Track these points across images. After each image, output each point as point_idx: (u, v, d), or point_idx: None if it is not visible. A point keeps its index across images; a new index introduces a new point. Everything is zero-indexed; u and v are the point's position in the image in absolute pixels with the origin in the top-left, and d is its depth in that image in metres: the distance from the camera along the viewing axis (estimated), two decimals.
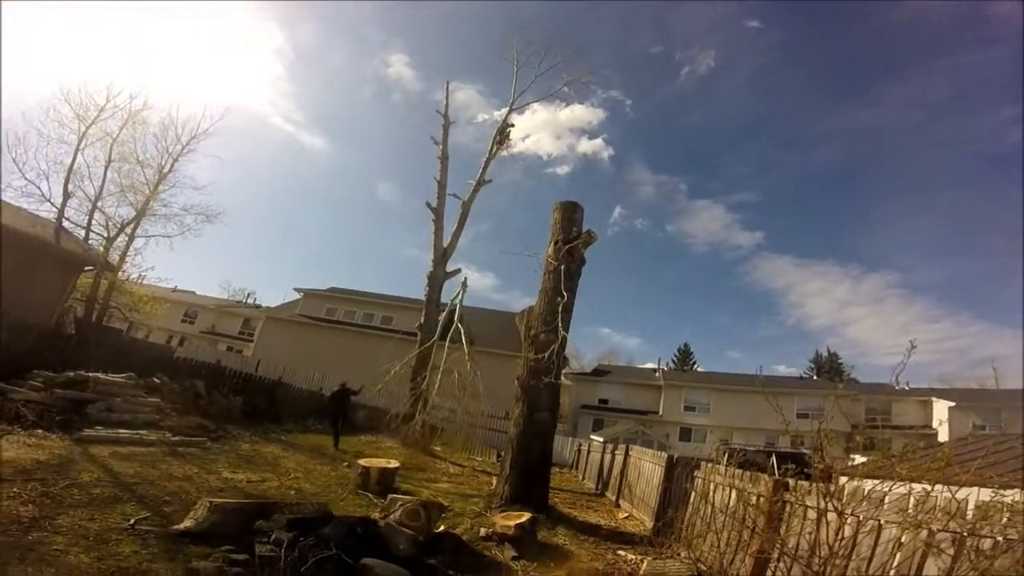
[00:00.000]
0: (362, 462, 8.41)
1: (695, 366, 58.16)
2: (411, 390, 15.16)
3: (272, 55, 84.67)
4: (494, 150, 19.47)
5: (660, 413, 35.88)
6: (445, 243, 18.15)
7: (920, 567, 2.92)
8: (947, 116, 78.81)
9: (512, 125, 20.20)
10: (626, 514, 9.23)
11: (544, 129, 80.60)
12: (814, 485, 3.76)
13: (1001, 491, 4.52)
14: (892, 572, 3.08)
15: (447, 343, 15.40)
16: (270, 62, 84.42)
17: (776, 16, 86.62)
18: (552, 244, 9.69)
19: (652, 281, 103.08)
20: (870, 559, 3.24)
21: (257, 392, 15.90)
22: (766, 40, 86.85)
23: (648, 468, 8.81)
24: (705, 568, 5.14)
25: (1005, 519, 2.57)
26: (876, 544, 3.25)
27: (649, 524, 7.69)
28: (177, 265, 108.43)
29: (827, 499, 3.32)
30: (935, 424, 30.94)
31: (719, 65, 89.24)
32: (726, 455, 11.85)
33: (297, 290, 34.43)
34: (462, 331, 15.22)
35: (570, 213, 9.89)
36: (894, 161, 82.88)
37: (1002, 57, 69.10)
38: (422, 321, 17.13)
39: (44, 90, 40.51)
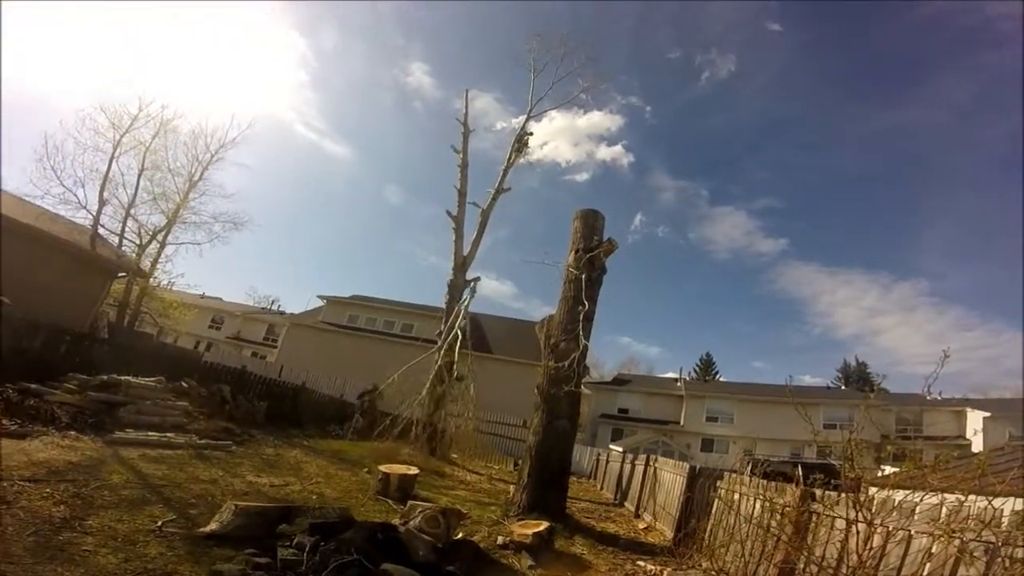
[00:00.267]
0: (382, 468, 8.49)
1: (718, 376, 57.28)
2: (429, 397, 15.24)
3: (296, 63, 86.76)
4: (513, 158, 19.53)
5: (681, 423, 35.35)
6: (465, 251, 18.25)
7: None
8: (974, 117, 76.43)
9: (530, 133, 20.30)
10: (645, 524, 9.12)
11: (562, 136, 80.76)
12: (843, 495, 3.71)
13: None
14: None
15: (457, 349, 15.48)
16: (294, 70, 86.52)
17: (796, 18, 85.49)
18: (572, 253, 9.68)
19: (673, 289, 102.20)
20: (899, 569, 3.18)
21: (280, 397, 16.18)
22: (787, 42, 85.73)
23: (669, 478, 8.71)
24: None
25: None
26: (905, 554, 3.21)
27: (669, 535, 7.59)
28: (205, 272, 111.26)
29: (856, 509, 3.26)
30: (969, 434, 29.94)
31: (739, 69, 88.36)
32: (750, 465, 11.63)
33: (320, 297, 35.07)
34: (459, 336, 15.27)
35: (591, 221, 9.88)
36: (922, 164, 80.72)
37: None
38: (442, 329, 17.22)
39: (80, 100, 42.30)
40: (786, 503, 4.58)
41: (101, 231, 19.92)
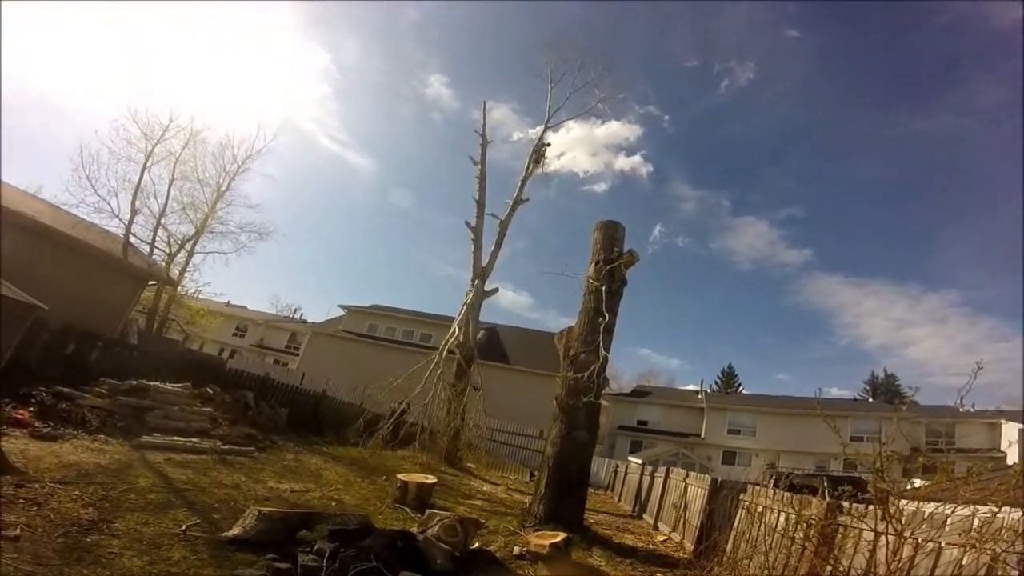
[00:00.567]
0: (401, 476, 8.54)
1: (740, 388, 56.27)
2: (447, 406, 15.29)
3: (319, 76, 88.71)
4: (530, 169, 19.60)
5: (702, 435, 34.80)
6: (483, 262, 18.33)
7: None
8: (1006, 123, 74.06)
9: (548, 144, 20.36)
10: (664, 537, 8.99)
11: (580, 146, 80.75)
12: (870, 507, 3.65)
13: None
14: None
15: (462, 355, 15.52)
16: (317, 83, 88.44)
17: (816, 23, 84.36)
18: (593, 264, 9.66)
19: (694, 300, 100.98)
20: None
21: (302, 404, 16.41)
22: (806, 48, 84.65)
23: (690, 491, 8.59)
24: None
25: None
26: (935, 566, 3.16)
27: (689, 547, 7.49)
28: (230, 280, 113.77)
29: (886, 521, 3.21)
30: (1004, 447, 29.00)
31: (759, 76, 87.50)
32: (773, 478, 11.39)
33: (341, 306, 35.52)
34: (457, 332, 15.24)
35: (611, 232, 9.86)
36: (949, 171, 78.48)
37: None
38: (460, 340, 17.30)
39: (114, 110, 44.01)
40: (812, 514, 4.51)
41: (132, 240, 20.55)
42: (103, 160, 20.86)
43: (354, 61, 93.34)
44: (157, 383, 10.49)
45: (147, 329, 22.28)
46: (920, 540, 3.22)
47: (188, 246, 24.16)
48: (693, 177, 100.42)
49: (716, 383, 57.43)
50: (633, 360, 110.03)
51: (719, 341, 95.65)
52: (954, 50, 75.66)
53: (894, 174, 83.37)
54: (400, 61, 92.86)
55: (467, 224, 18.46)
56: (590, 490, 11.15)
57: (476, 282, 17.96)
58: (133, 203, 20.83)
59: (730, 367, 59.57)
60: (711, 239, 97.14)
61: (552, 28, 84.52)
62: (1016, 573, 2.64)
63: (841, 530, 4.03)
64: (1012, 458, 26.91)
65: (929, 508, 3.23)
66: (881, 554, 3.22)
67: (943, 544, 3.13)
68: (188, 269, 25.02)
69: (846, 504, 4.15)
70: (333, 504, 7.20)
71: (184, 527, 4.70)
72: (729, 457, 33.74)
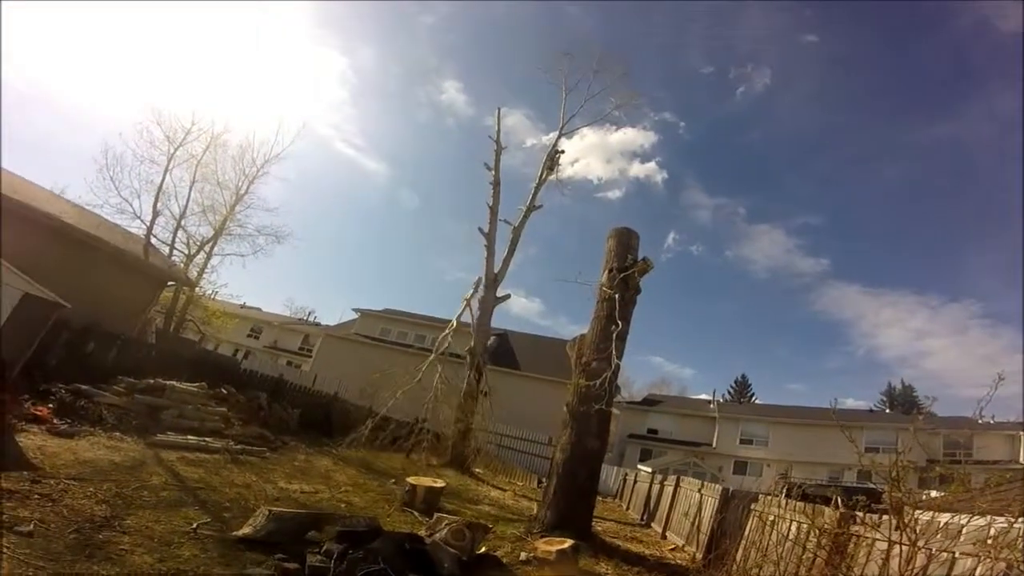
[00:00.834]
0: (410, 480, 8.56)
1: (753, 398, 55.59)
2: (458, 412, 15.29)
3: (336, 81, 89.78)
4: (544, 175, 19.61)
5: (714, 445, 34.41)
6: (496, 268, 18.35)
7: None
8: None
9: (562, 151, 20.33)
10: (673, 546, 8.89)
11: (594, 153, 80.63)
12: (884, 517, 3.60)
13: None
14: None
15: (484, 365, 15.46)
16: (335, 88, 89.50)
17: (835, 28, 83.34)
18: (606, 272, 9.63)
19: (708, 309, 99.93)
20: None
21: (314, 406, 16.53)
22: (825, 54, 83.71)
23: (701, 500, 8.50)
24: None
25: None
26: (949, 575, 3.07)
27: (698, 556, 7.41)
28: (246, 282, 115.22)
29: (900, 530, 3.17)
30: (1023, 458, 28.32)
31: (776, 83, 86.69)
32: (785, 488, 11.22)
33: (355, 310, 35.78)
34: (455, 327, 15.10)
35: (625, 240, 9.82)
36: (972, 178, 76.80)
37: None
38: (472, 345, 17.32)
39: (139, 113, 44.89)
40: (825, 524, 4.45)
41: (153, 241, 20.91)
42: (127, 162, 21.28)
43: (370, 66, 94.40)
44: (173, 382, 10.64)
45: (165, 329, 22.63)
46: (934, 550, 3.18)
47: (207, 248, 24.53)
48: (709, 184, 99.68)
49: (729, 392, 56.88)
50: (645, 368, 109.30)
51: (733, 351, 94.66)
52: (977, 55, 74.23)
53: (914, 181, 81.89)
54: (415, 66, 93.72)
55: (480, 230, 18.51)
56: (598, 498, 11.08)
57: (485, 287, 17.99)
58: (155, 205, 21.22)
59: (743, 377, 58.99)
60: (726, 247, 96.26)
61: (568, 34, 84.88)
62: None
63: (854, 539, 3.99)
64: None
65: (944, 518, 3.19)
66: (894, 564, 3.18)
67: (957, 554, 3.10)
68: (206, 270, 25.39)
69: (860, 514, 4.10)
70: (342, 506, 7.24)
71: (195, 525, 4.76)
72: (740, 467, 33.32)
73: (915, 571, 3.12)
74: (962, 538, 3.06)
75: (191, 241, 24.02)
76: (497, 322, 19.83)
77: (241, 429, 10.83)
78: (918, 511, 3.32)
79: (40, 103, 49.51)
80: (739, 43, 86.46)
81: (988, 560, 2.79)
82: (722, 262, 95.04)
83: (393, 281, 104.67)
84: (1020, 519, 2.70)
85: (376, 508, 7.56)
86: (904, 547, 3.16)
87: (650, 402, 41.11)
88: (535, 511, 9.31)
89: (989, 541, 2.82)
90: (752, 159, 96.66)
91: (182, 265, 23.24)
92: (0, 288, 8.37)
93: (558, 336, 37.34)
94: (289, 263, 77.88)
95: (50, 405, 8.22)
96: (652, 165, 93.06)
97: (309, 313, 57.98)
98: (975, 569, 2.96)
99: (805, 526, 4.58)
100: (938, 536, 3.17)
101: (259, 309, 49.15)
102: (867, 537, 3.82)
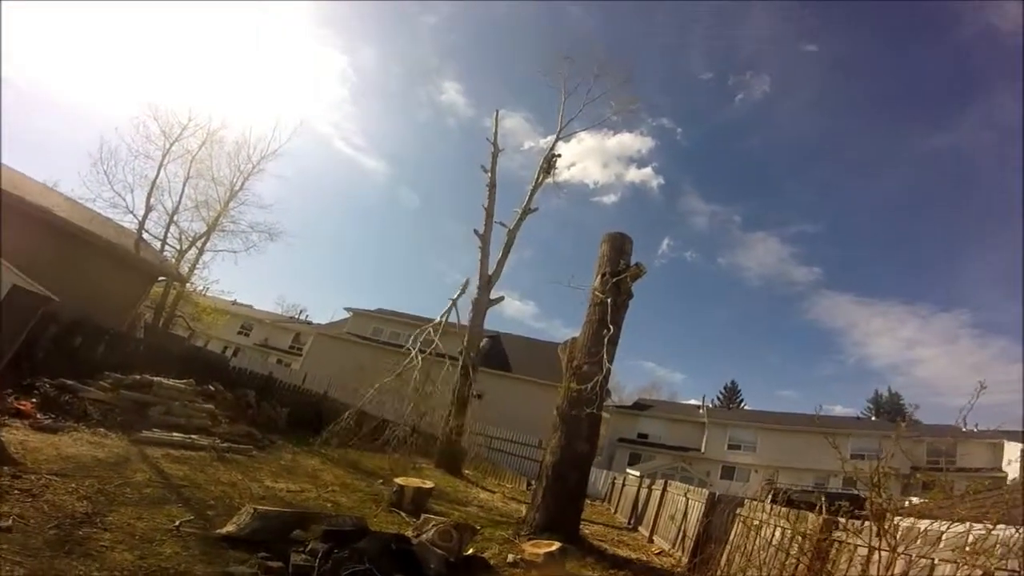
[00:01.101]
0: (398, 480, 8.53)
1: (742, 404, 55.92)
2: (449, 412, 15.26)
3: (337, 79, 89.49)
4: (540, 179, 19.62)
5: (702, 450, 34.60)
6: (490, 270, 18.34)
7: None
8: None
9: (559, 155, 20.35)
10: (660, 550, 8.92)
11: (591, 157, 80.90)
12: (866, 523, 3.64)
13: None
14: None
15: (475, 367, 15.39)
16: (336, 86, 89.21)
17: (834, 37, 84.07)
18: (599, 276, 9.66)
19: (701, 316, 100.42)
20: None
21: (303, 405, 16.43)
22: (824, 61, 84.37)
23: (687, 504, 8.53)
24: None
25: None
26: None
27: (684, 560, 7.44)
28: (238, 279, 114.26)
29: (880, 537, 3.20)
30: (1004, 466, 28.76)
31: (775, 90, 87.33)
32: (771, 494, 11.30)
33: (347, 309, 35.62)
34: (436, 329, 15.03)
35: (619, 245, 9.85)
36: (968, 187, 77.36)
37: None
38: (464, 346, 17.29)
39: (135, 108, 44.58)
40: (808, 529, 4.49)
41: (145, 235, 20.75)
42: (121, 156, 21.17)
43: (371, 65, 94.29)
44: (160, 379, 10.54)
45: (154, 324, 22.43)
46: (914, 556, 3.21)
47: (199, 243, 24.35)
48: (705, 191, 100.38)
49: (718, 398, 57.18)
50: (636, 373, 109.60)
51: (724, 357, 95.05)
52: (977, 63, 74.59)
53: (913, 188, 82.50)
54: (416, 66, 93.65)
55: (475, 231, 18.51)
56: (587, 501, 11.09)
57: (479, 288, 17.97)
58: (148, 199, 21.09)
59: (733, 383, 59.32)
60: (720, 254, 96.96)
61: (569, 35, 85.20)
62: None
63: (836, 545, 4.03)
64: (1013, 477, 26.82)
65: (924, 524, 3.23)
66: (874, 569, 3.22)
67: (936, 560, 3.13)
68: (198, 266, 25.22)
69: (842, 520, 4.13)
70: (329, 505, 7.19)
71: (178, 523, 4.71)
72: (728, 472, 33.52)
73: None
74: (941, 545, 3.10)
75: (183, 237, 23.90)
76: (491, 324, 19.85)
77: (228, 427, 10.74)
78: (898, 517, 3.36)
79: (41, 102, 49.17)
80: (742, 43, 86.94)
81: (966, 567, 2.83)
82: (716, 269, 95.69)
83: (389, 281, 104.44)
84: (998, 526, 2.75)
85: (363, 508, 7.52)
86: (884, 553, 3.20)
87: (640, 407, 41.19)
88: (524, 513, 9.30)
89: (967, 548, 2.86)
90: (750, 166, 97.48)
91: (173, 260, 23.07)
92: None
93: (551, 339, 37.43)
94: (283, 261, 78.01)
95: (34, 399, 8.12)
96: (648, 170, 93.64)
97: (301, 311, 57.84)
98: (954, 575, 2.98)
99: (789, 531, 4.62)
100: (918, 542, 3.22)
101: (250, 306, 48.81)
102: (849, 543, 3.86)
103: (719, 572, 5.76)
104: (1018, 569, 2.64)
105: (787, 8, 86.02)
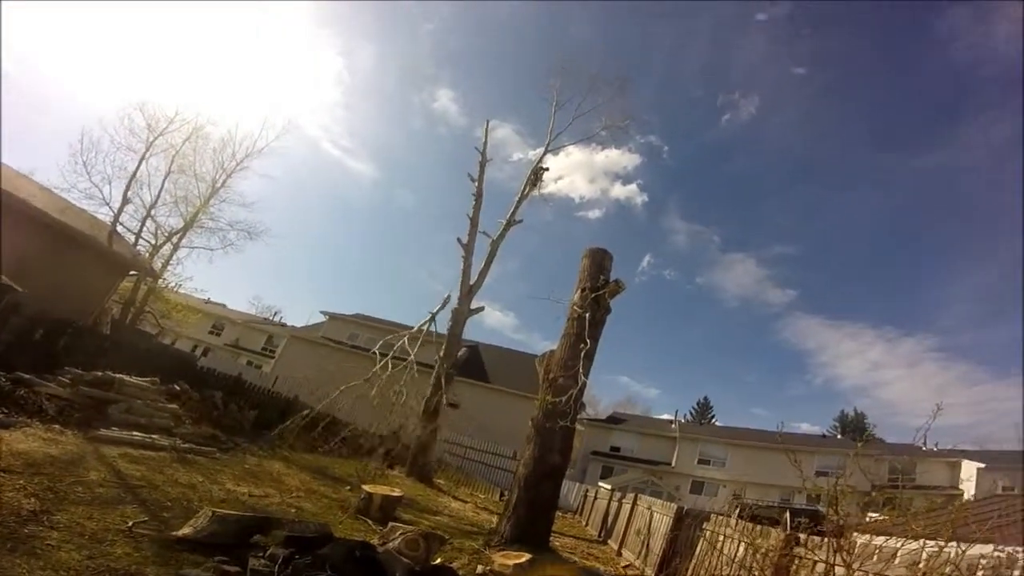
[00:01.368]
0: (366, 487, 8.38)
1: (713, 420, 56.65)
2: (422, 421, 15.08)
3: (331, 81, 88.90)
4: (527, 191, 19.68)
5: (673, 464, 34.90)
6: (472, 280, 18.29)
7: None
8: (1011, 161, 74.06)
9: (546, 168, 20.45)
10: (627, 563, 8.92)
11: (578, 171, 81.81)
12: (825, 540, 3.70)
13: (1013, 549, 4.32)
14: None
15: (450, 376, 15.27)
16: (327, 88, 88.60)
17: (823, 60, 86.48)
18: (579, 291, 9.72)
19: (677, 333, 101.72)
20: None
21: (271, 408, 16.09)
22: (813, 84, 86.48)
23: (655, 518, 8.58)
24: None
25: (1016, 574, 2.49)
26: None
27: (650, 573, 7.44)
28: (213, 277, 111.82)
29: (837, 554, 3.25)
30: (961, 485, 29.77)
31: (762, 111, 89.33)
32: (738, 509, 11.43)
33: (323, 313, 35.06)
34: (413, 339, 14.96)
35: (599, 260, 9.95)
36: (950, 208, 79.39)
37: None
38: (441, 355, 17.17)
39: (122, 100, 43.74)
40: (770, 546, 4.54)
41: (119, 229, 20.22)
42: (103, 148, 20.72)
43: (367, 68, 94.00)
44: (123, 376, 10.21)
45: (121, 320, 21.77)
46: (869, 572, 3.27)
47: (175, 239, 23.81)
48: (687, 210, 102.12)
49: (691, 414, 57.82)
50: (612, 387, 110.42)
51: (698, 374, 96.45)
52: (967, 86, 75.74)
53: (891, 211, 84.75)
54: (410, 72, 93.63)
55: (459, 240, 18.47)
56: (559, 513, 11.06)
57: (459, 298, 17.91)
58: (125, 192, 20.64)
59: (705, 399, 60.17)
60: (699, 273, 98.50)
61: (565, 47, 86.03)
62: None
63: (796, 561, 4.07)
64: (969, 495, 27.63)
65: (880, 541, 3.30)
66: None
67: None
68: (172, 262, 24.65)
69: (803, 536, 4.19)
70: (292, 511, 7.01)
71: (131, 523, 4.53)
72: (697, 487, 33.85)
73: None
74: (896, 561, 3.17)
75: (159, 231, 23.38)
76: (471, 334, 19.81)
77: (192, 428, 10.45)
78: (856, 534, 3.43)
79: (41, 101, 47.88)
80: (729, 71, 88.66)
81: None
82: (694, 288, 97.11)
83: (368, 287, 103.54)
84: (950, 543, 2.82)
85: (329, 515, 7.35)
86: (840, 569, 3.25)
87: (614, 420, 41.37)
88: (495, 524, 9.22)
89: (920, 564, 2.93)
90: (734, 185, 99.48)
91: (147, 255, 22.49)
92: None
93: (531, 351, 37.38)
94: (262, 260, 76.56)
95: None
96: (633, 187, 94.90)
97: (275, 313, 56.83)
98: None
99: (751, 547, 4.66)
100: (874, 559, 3.28)
101: (223, 305, 47.78)
102: (808, 559, 3.91)
103: None
104: None
105: (780, 29, 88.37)
